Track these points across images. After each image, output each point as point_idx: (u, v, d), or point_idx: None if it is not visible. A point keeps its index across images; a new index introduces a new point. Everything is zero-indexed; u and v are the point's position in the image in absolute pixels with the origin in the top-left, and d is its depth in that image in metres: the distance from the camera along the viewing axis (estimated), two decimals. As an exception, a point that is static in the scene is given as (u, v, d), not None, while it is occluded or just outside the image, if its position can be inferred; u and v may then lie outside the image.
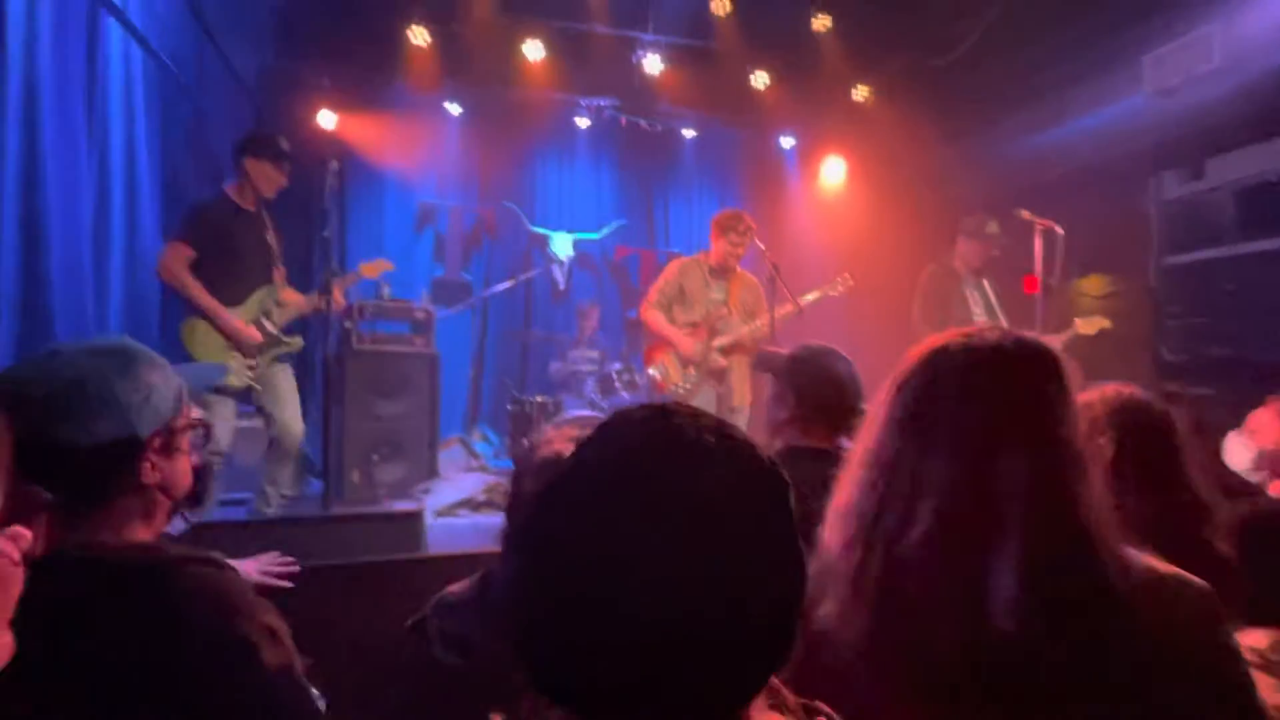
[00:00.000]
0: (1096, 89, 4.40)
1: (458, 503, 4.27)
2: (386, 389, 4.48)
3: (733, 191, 6.81)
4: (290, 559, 1.68)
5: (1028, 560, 0.79)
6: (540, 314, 6.28)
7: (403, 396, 4.52)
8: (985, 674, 0.78)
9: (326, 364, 3.41)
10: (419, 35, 4.90)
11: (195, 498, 1.12)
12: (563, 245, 6.28)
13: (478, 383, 6.15)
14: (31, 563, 0.64)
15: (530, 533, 0.57)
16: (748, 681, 0.55)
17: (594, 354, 5.51)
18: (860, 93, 5.53)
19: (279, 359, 3.43)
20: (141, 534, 1.00)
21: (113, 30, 3.35)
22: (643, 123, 6.14)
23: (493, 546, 1.22)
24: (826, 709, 0.66)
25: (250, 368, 3.27)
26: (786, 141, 6.51)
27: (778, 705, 0.61)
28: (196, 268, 3.16)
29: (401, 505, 4.14)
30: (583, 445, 0.58)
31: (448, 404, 5.42)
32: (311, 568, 1.71)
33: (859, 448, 0.94)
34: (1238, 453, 2.10)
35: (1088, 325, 3.95)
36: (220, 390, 3.18)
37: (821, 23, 4.94)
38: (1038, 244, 3.66)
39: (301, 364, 3.81)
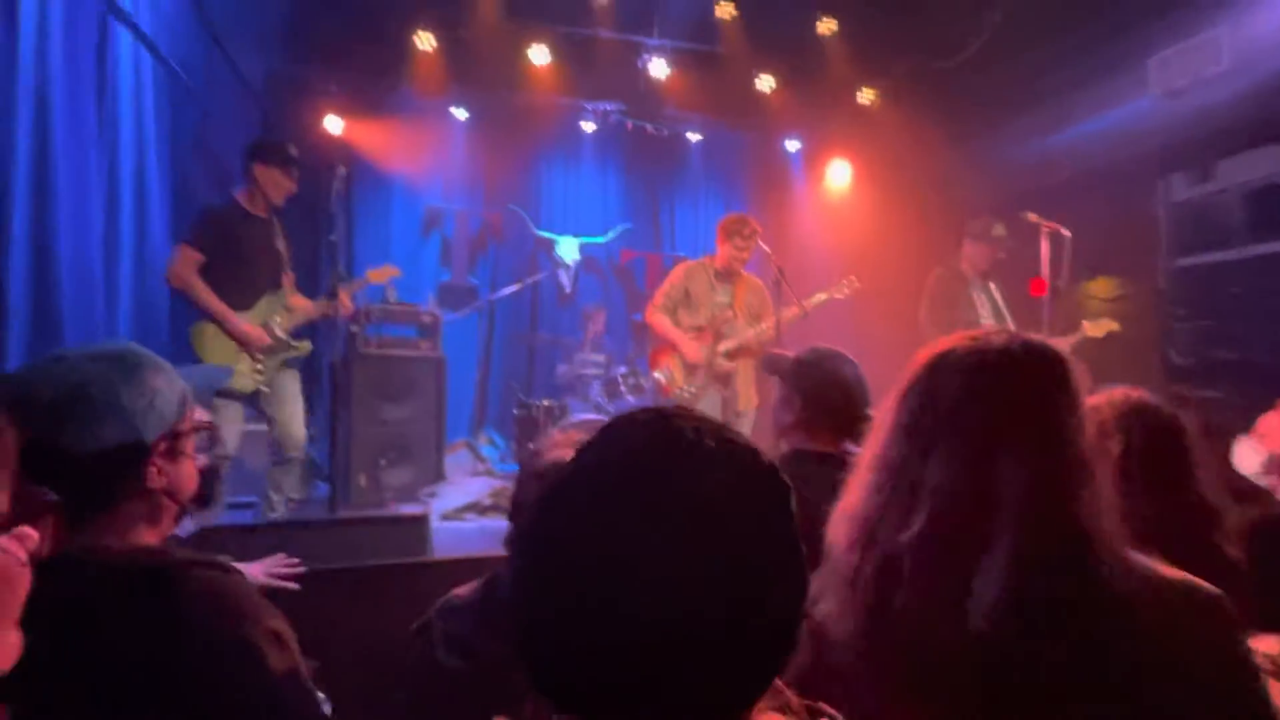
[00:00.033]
0: (1103, 91, 4.38)
1: (464, 506, 4.28)
2: (393, 393, 4.49)
3: (738, 195, 6.81)
4: (296, 560, 1.69)
5: (1016, 562, 0.79)
6: (546, 318, 6.29)
7: (409, 400, 4.53)
8: (971, 675, 0.79)
9: (333, 368, 3.43)
10: (425, 40, 4.93)
11: (203, 499, 1.12)
12: (569, 249, 6.29)
13: (484, 386, 6.16)
14: (37, 564, 0.64)
15: (531, 535, 0.57)
16: (749, 683, 0.55)
17: (600, 358, 5.52)
18: (866, 96, 5.53)
19: (287, 364, 3.45)
20: (147, 537, 1.00)
21: (122, 36, 3.38)
22: (648, 127, 6.15)
23: (498, 550, 1.22)
24: (830, 710, 0.66)
25: (259, 371, 3.29)
26: (792, 145, 6.51)
27: (781, 707, 0.61)
28: (205, 272, 3.18)
29: (408, 509, 4.14)
30: (584, 448, 0.58)
31: (454, 408, 5.42)
32: (318, 571, 1.71)
33: (867, 452, 0.94)
34: (1247, 457, 2.08)
35: (1095, 328, 3.94)
36: (228, 394, 3.20)
37: (827, 26, 4.95)
38: (1044, 247, 3.65)
39: (308, 368, 3.83)
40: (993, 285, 4.20)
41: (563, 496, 0.57)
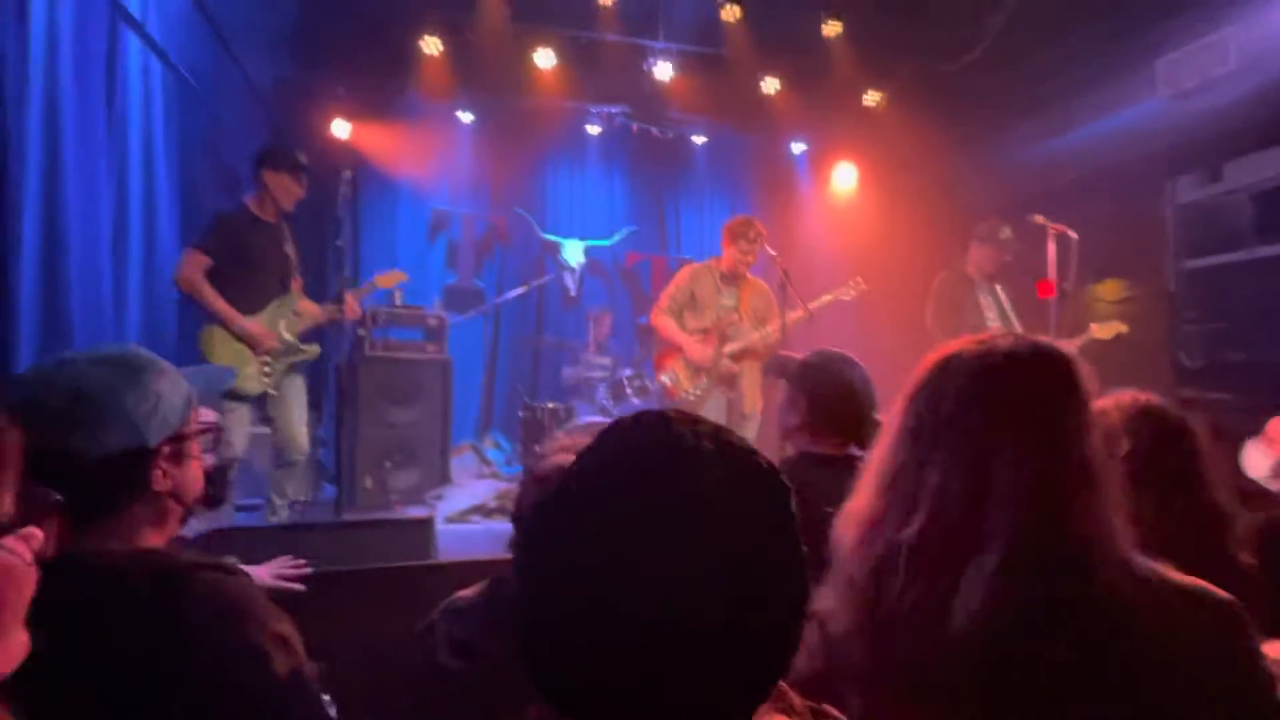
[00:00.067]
0: (1110, 93, 4.36)
1: (469, 509, 4.28)
2: (399, 395, 4.50)
3: (744, 198, 6.81)
4: (303, 562, 1.69)
5: (1007, 563, 0.79)
6: (552, 320, 6.29)
7: (415, 403, 4.54)
8: (969, 675, 0.79)
9: (340, 371, 3.44)
10: (432, 45, 4.95)
11: (212, 499, 1.12)
12: (574, 252, 6.30)
13: (490, 389, 6.17)
14: (43, 565, 0.65)
15: (533, 538, 0.57)
16: (750, 685, 0.55)
17: (605, 360, 5.52)
18: (871, 98, 5.52)
19: (294, 369, 3.47)
20: (153, 540, 1.00)
21: (131, 43, 3.41)
22: (654, 129, 6.16)
23: (503, 553, 1.22)
24: (834, 712, 0.66)
25: (266, 374, 3.31)
26: (797, 147, 6.50)
27: (785, 709, 0.61)
28: (214, 277, 3.21)
29: (413, 512, 4.16)
30: (584, 452, 0.58)
31: (460, 410, 5.44)
32: (323, 574, 1.72)
33: (874, 455, 0.95)
34: (1256, 460, 2.07)
35: (1103, 330, 3.92)
36: (236, 396, 3.22)
37: (832, 28, 4.93)
38: (1051, 249, 3.64)
39: (315, 371, 3.84)
40: (999, 288, 4.19)
41: (563, 499, 0.57)
